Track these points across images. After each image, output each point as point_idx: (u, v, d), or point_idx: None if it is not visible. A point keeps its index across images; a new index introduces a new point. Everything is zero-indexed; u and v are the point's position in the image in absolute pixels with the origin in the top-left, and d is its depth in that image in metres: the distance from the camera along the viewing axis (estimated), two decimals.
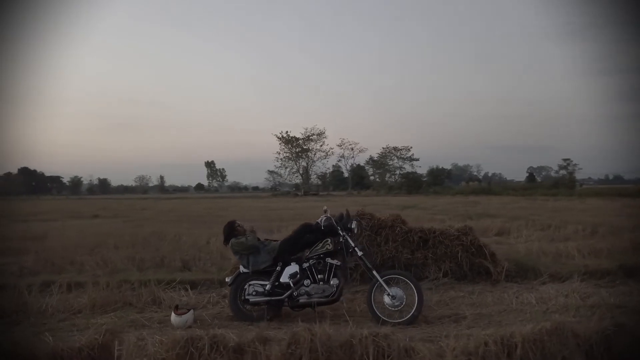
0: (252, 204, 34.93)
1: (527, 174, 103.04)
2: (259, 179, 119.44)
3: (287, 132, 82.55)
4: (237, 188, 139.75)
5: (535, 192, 47.99)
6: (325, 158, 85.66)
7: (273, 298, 5.05)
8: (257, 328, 4.63)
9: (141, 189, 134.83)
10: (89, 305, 5.39)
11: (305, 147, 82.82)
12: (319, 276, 5.09)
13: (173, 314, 4.83)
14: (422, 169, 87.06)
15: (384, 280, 4.96)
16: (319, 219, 5.27)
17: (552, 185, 62.28)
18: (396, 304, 4.87)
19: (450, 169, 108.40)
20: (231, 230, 5.39)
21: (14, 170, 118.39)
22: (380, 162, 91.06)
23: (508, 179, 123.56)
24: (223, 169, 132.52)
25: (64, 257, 8.41)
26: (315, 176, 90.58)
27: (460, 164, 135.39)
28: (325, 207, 5.42)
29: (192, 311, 4.91)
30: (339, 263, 5.14)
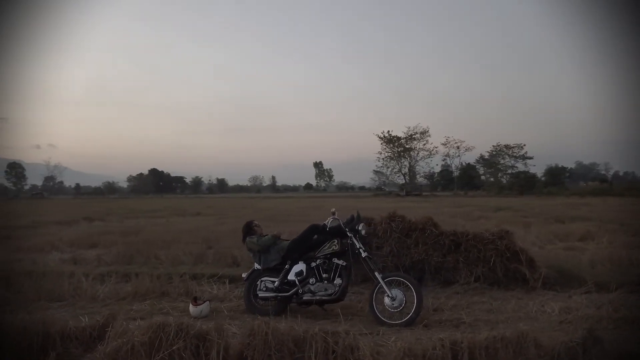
0: (347, 203, 35.35)
1: None
2: (366, 178, 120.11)
3: (388, 131, 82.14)
4: (344, 188, 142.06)
5: None
6: (428, 157, 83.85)
7: (280, 294, 5.37)
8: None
9: (255, 189, 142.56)
10: (131, 293, 6.13)
11: (407, 147, 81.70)
12: (324, 275, 5.31)
13: (190, 304, 5.36)
14: (537, 167, 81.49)
15: (386, 282, 5.05)
16: (326, 221, 5.49)
17: None
18: (395, 305, 4.93)
19: (573, 168, 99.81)
20: (248, 230, 5.82)
21: (145, 172, 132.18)
22: (491, 161, 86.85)
23: None
24: (330, 169, 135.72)
25: (140, 250, 9.45)
26: (419, 176, 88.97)
27: (586, 162, 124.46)
28: (333, 209, 5.61)
29: (207, 303, 5.41)
30: (344, 263, 5.32)
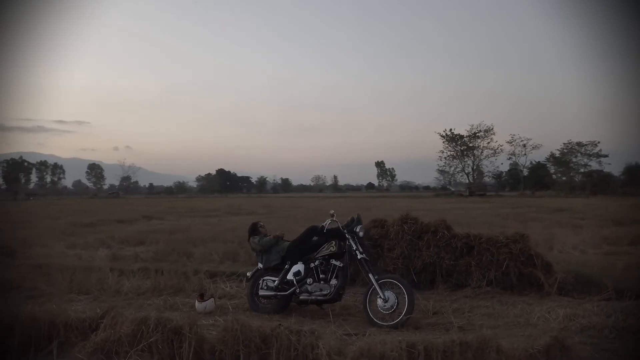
0: (402, 204, 34.82)
1: None
2: (430, 178, 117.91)
3: (451, 129, 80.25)
4: (407, 187, 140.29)
5: None
6: (493, 156, 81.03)
7: (279, 293, 5.55)
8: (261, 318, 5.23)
9: (317, 188, 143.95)
10: (150, 288, 6.54)
11: (470, 145, 79.38)
12: (321, 276, 5.43)
13: (196, 300, 5.65)
14: (615, 166, 76.44)
15: (380, 284, 5.09)
16: (324, 223, 5.61)
17: None
18: (387, 307, 4.97)
19: None
20: (253, 230, 6.04)
21: (213, 172, 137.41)
22: (562, 160, 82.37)
23: None
24: (392, 169, 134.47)
25: (177, 248, 9.96)
26: (485, 175, 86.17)
27: None
28: (332, 212, 5.69)
29: (212, 299, 5.68)
30: (341, 264, 5.40)
